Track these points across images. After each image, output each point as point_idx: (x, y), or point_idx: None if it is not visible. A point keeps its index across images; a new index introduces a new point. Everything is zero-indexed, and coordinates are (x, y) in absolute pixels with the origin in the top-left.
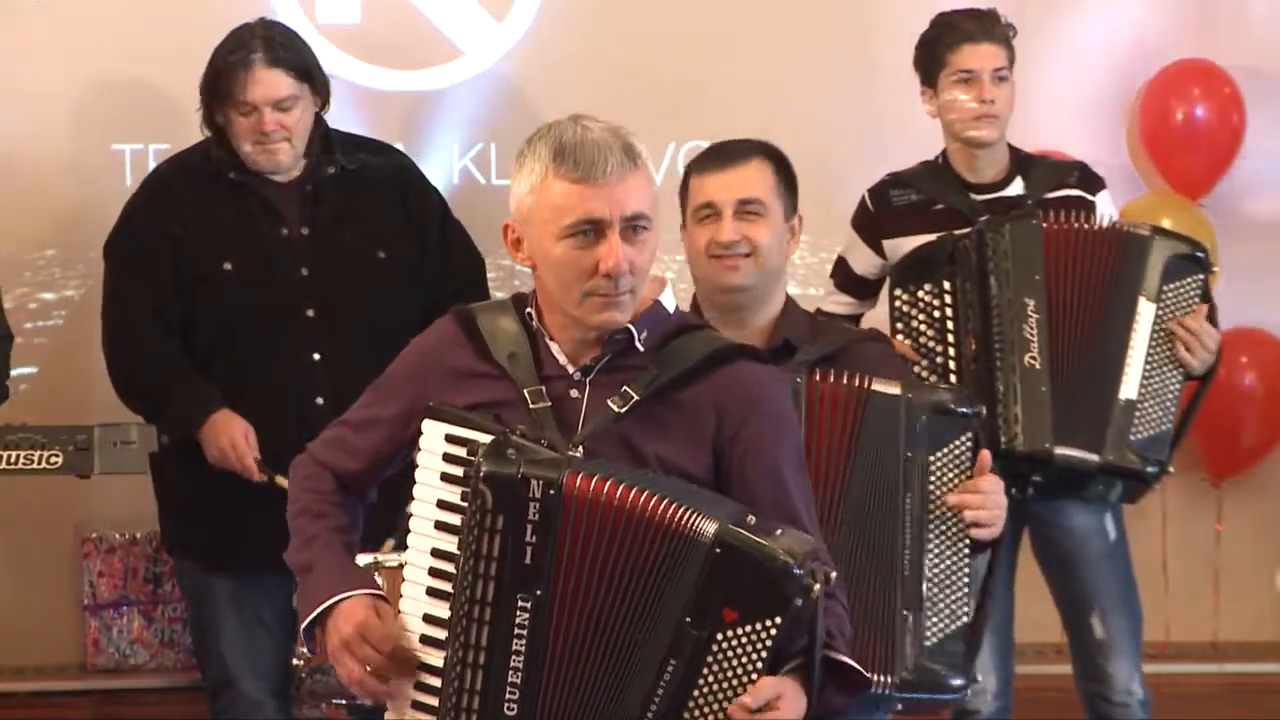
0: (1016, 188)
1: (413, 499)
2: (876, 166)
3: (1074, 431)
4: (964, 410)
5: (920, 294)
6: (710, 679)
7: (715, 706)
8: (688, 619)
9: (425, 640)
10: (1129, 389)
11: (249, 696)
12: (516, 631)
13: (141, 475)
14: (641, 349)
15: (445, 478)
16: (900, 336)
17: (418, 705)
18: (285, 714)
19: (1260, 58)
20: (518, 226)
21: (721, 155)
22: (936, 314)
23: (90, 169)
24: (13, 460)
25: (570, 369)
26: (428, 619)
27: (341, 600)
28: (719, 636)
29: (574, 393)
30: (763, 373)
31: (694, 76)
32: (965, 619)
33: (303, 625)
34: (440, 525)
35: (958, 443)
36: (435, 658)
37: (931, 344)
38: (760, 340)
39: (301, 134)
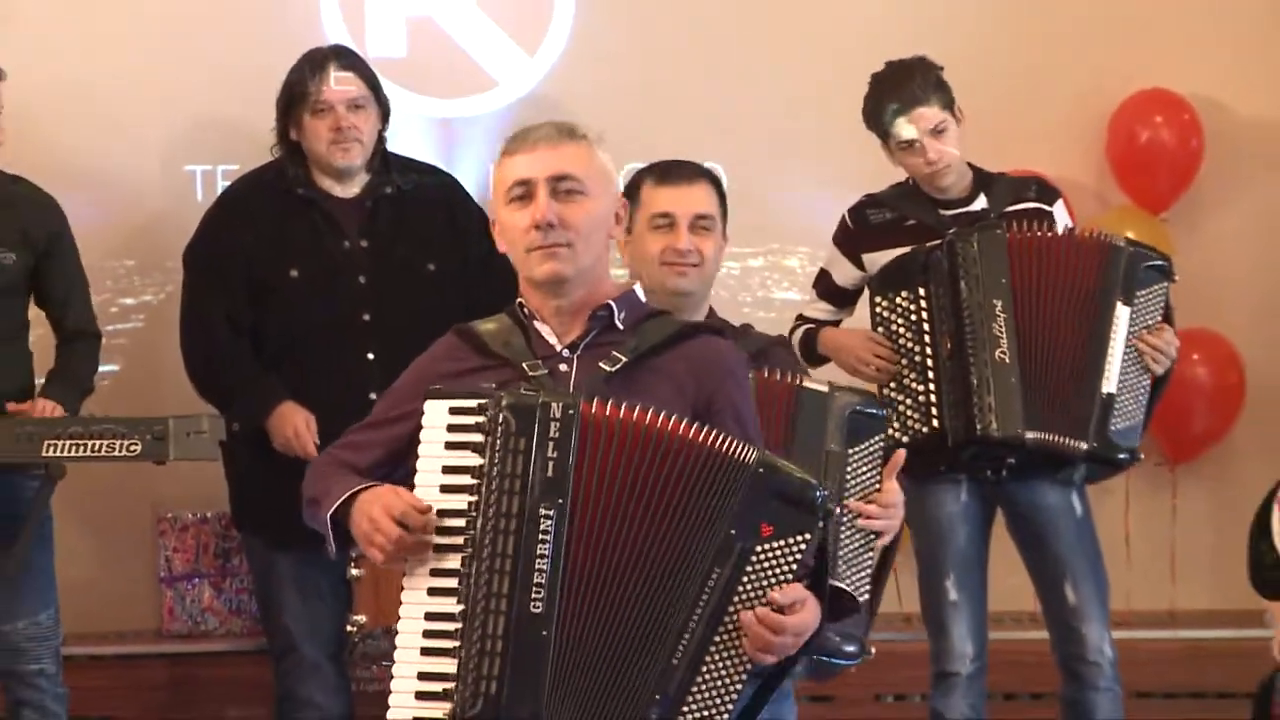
0: (980, 203)
1: (415, 474)
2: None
3: (1050, 418)
4: (879, 413)
5: (898, 300)
6: (748, 585)
7: (750, 607)
8: (732, 531)
9: (434, 591)
10: (1110, 384)
11: (309, 660)
12: (541, 537)
13: (211, 461)
14: (621, 326)
15: (450, 445)
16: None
17: (431, 634)
18: (341, 675)
19: (1215, 86)
20: (493, 212)
21: (677, 172)
22: (913, 317)
23: (165, 187)
24: (97, 448)
25: (559, 347)
26: (434, 572)
27: (365, 489)
28: (757, 549)
29: (564, 367)
30: (729, 346)
31: (715, 103)
32: (864, 597)
33: (327, 516)
34: (446, 488)
35: (871, 441)
36: (445, 605)
37: (910, 344)
38: None
39: (369, 139)
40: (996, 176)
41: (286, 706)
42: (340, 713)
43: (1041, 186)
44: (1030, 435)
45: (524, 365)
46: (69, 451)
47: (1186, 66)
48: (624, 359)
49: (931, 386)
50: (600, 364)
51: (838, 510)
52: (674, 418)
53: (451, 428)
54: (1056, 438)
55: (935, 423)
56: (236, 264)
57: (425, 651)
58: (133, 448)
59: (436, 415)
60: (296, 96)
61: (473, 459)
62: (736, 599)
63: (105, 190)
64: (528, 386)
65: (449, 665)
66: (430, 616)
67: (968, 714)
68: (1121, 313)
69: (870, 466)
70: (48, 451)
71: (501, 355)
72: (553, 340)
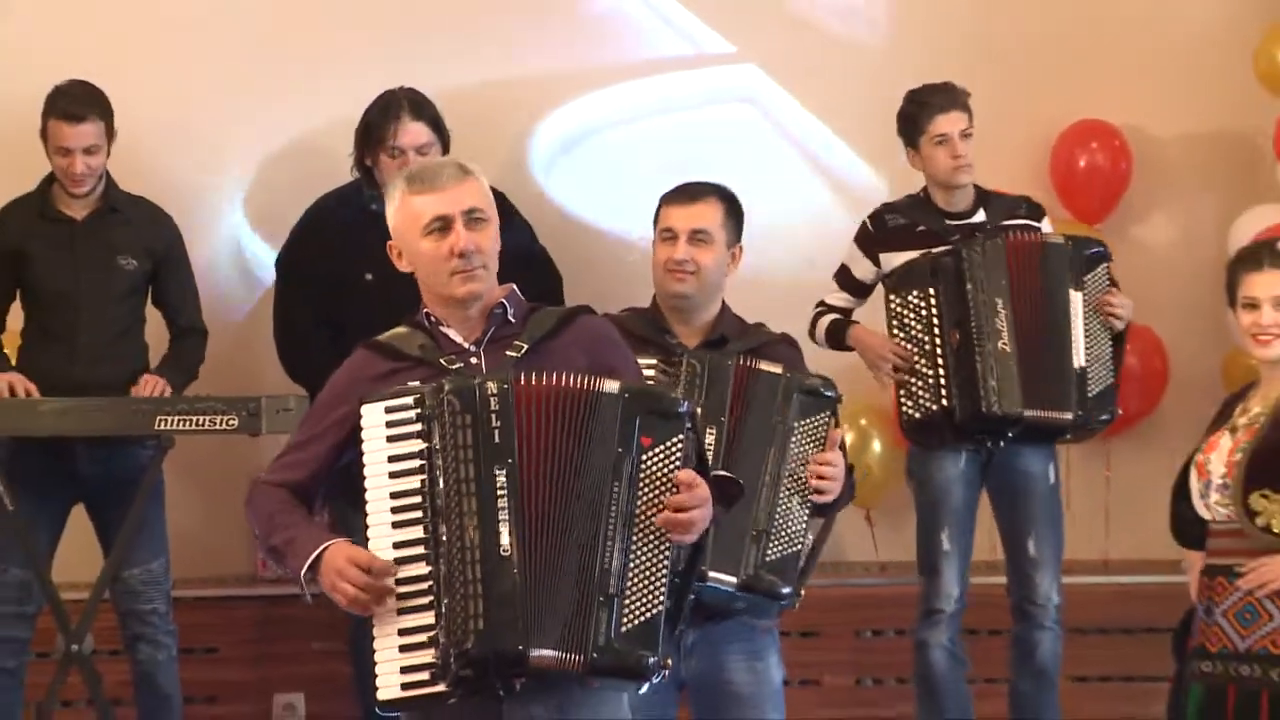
0: (980, 216)
1: (363, 477)
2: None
3: (1043, 397)
4: (829, 394)
5: (910, 298)
6: (645, 488)
7: (654, 507)
8: (619, 449)
9: (401, 561)
10: (1078, 359)
11: None
12: (499, 493)
13: None
14: (513, 320)
15: (391, 439)
16: (896, 332)
17: (405, 596)
18: None
19: (1142, 117)
20: (396, 243)
21: (685, 192)
22: (924, 314)
23: (258, 203)
24: (201, 423)
25: (466, 344)
26: (401, 544)
27: (327, 547)
28: (643, 458)
29: (474, 360)
30: (602, 320)
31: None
32: (801, 546)
33: (302, 572)
34: (395, 474)
35: (818, 418)
36: (414, 569)
37: (922, 337)
38: (702, 333)
39: None
40: (994, 194)
41: (359, 636)
42: None
43: (1030, 204)
44: (1029, 413)
45: (441, 361)
46: (177, 425)
47: (1117, 100)
48: (526, 345)
49: (941, 371)
50: (507, 352)
51: (780, 477)
52: (571, 376)
53: (390, 424)
54: (1047, 413)
55: (944, 402)
56: (319, 268)
57: (401, 612)
58: (231, 422)
59: (374, 416)
60: (374, 137)
61: (415, 445)
62: (640, 501)
63: (206, 208)
64: (453, 376)
65: (427, 618)
66: (400, 581)
67: (946, 645)
68: (1075, 298)
69: (814, 439)
70: (159, 425)
71: (416, 356)
72: (459, 340)
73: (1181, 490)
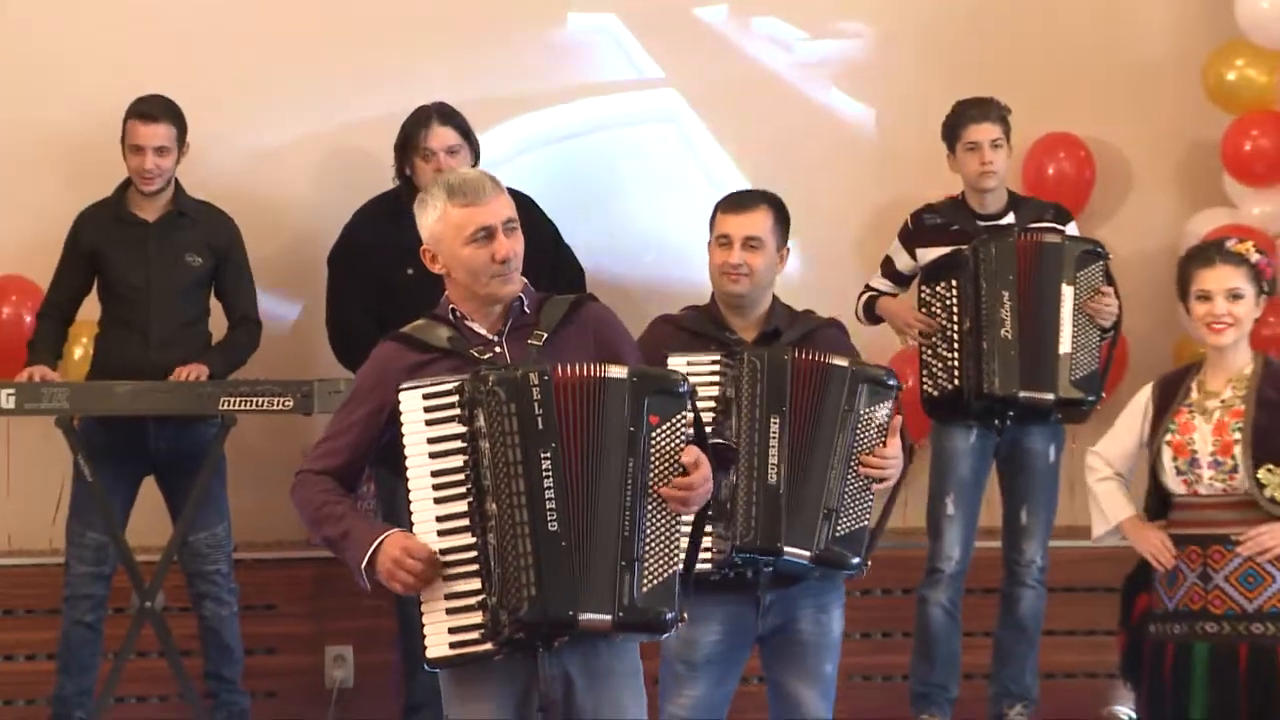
0: (1010, 218)
1: (405, 450)
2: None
3: (1034, 380)
4: (892, 384)
5: (938, 289)
6: (656, 462)
7: (664, 479)
8: (631, 428)
9: (444, 533)
10: (1065, 345)
11: None
12: (544, 474)
13: None
14: (528, 311)
15: (430, 423)
16: (925, 314)
17: (450, 565)
18: None
19: (1104, 130)
20: (431, 247)
21: (738, 201)
22: (946, 302)
23: (311, 205)
24: (259, 403)
25: (490, 335)
26: (443, 518)
27: (384, 539)
28: (652, 435)
29: (498, 349)
30: (603, 306)
31: None
32: (866, 523)
33: (362, 565)
34: (435, 455)
35: (880, 406)
36: (459, 540)
37: (945, 323)
38: (756, 326)
39: None
40: (1025, 199)
41: (405, 597)
42: None
43: (1058, 210)
44: (1023, 394)
45: (472, 352)
46: (238, 406)
47: (1082, 115)
48: (545, 334)
49: (956, 355)
50: (529, 341)
51: (848, 460)
52: (591, 365)
53: (429, 409)
54: (1033, 394)
55: (956, 382)
56: (366, 264)
57: (448, 579)
58: (286, 403)
59: (412, 402)
60: (409, 145)
61: (455, 428)
62: (651, 472)
63: (266, 211)
64: (487, 366)
65: (474, 584)
66: (445, 552)
67: (944, 604)
68: (1066, 291)
69: (877, 427)
70: (222, 406)
71: (444, 347)
72: (482, 331)
73: (1151, 469)
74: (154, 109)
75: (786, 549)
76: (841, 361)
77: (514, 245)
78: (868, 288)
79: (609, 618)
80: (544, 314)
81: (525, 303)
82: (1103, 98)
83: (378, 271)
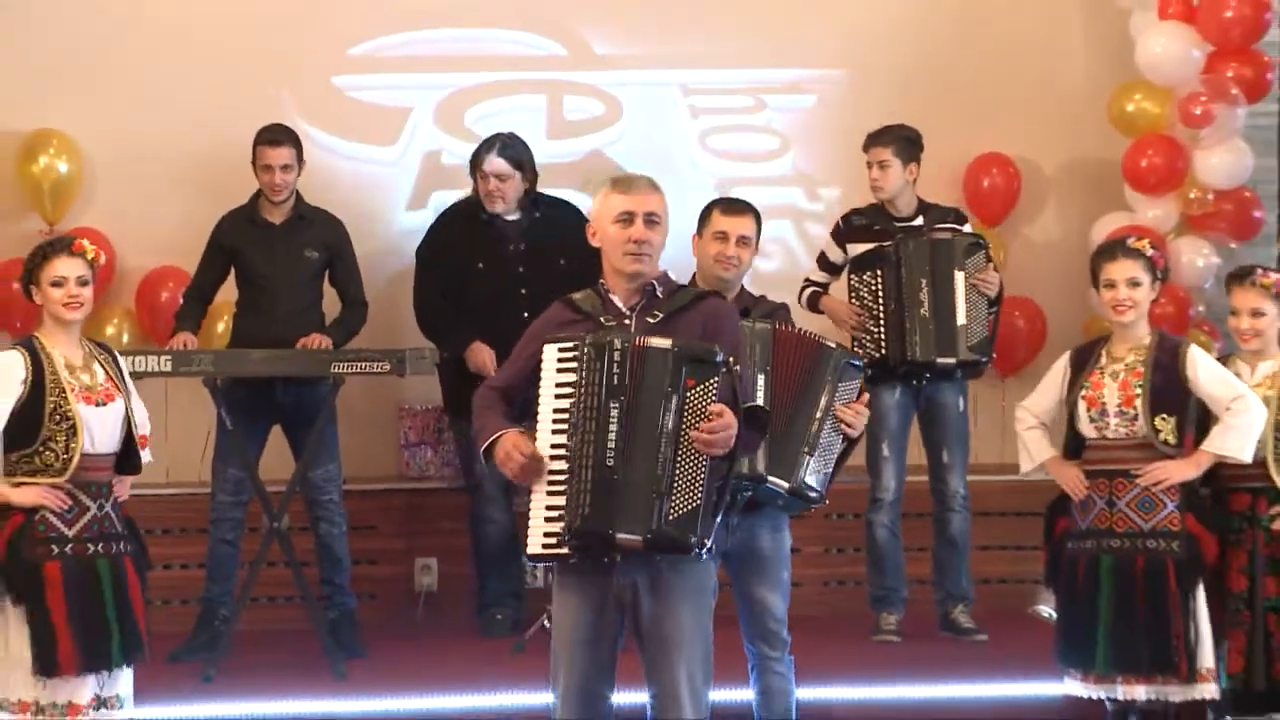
0: (919, 221)
1: (538, 396)
2: None
3: (943, 347)
4: (859, 365)
5: (865, 277)
6: (689, 415)
7: (695, 429)
8: (669, 388)
9: (552, 459)
10: (960, 319)
11: (488, 492)
12: (612, 420)
13: (432, 375)
14: (660, 296)
15: (559, 370)
16: (854, 301)
17: (552, 477)
18: (508, 502)
19: (1029, 150)
20: (593, 224)
21: (734, 206)
22: (873, 288)
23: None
24: (363, 367)
25: (624, 308)
26: (554, 445)
27: (502, 434)
28: (687, 395)
29: (626, 321)
30: (723, 302)
31: None
32: (830, 469)
33: (481, 450)
34: (557, 396)
35: (854, 382)
36: (558, 465)
37: (871, 306)
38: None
39: (512, 196)
40: (930, 204)
41: (477, 520)
42: (508, 524)
43: (958, 214)
44: (939, 360)
45: (601, 319)
46: (346, 369)
47: (1011, 138)
48: (662, 314)
49: (882, 330)
50: (648, 318)
51: (824, 416)
52: (652, 338)
53: (559, 359)
54: (946, 359)
55: (883, 351)
56: (446, 257)
57: (549, 494)
58: (384, 367)
59: (550, 353)
60: (474, 165)
61: (571, 377)
62: (684, 425)
63: (373, 217)
64: (604, 331)
65: (560, 501)
66: (550, 473)
67: (887, 524)
68: (958, 276)
69: (850, 397)
70: (334, 369)
71: (589, 312)
72: (620, 305)
73: (1069, 418)
74: (279, 135)
75: (769, 478)
76: (828, 343)
77: (650, 234)
78: (807, 280)
79: (640, 538)
80: (672, 299)
81: (659, 289)
82: (1027, 124)
83: (454, 263)
